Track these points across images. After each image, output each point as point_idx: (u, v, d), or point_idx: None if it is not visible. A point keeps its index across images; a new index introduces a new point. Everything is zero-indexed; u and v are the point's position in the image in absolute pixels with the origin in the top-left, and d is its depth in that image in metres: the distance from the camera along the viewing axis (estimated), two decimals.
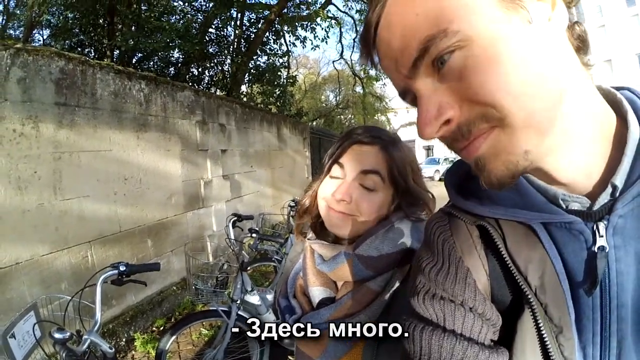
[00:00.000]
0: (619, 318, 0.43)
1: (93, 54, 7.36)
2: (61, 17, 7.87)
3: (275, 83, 10.22)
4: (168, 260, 4.20)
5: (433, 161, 26.01)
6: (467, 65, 0.37)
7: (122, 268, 1.82)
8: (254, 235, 3.17)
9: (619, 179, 0.43)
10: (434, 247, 0.53)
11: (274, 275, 3.33)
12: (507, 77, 0.37)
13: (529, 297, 0.45)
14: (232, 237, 3.10)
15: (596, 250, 0.43)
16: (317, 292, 0.83)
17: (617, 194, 0.43)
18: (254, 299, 2.50)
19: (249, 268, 2.55)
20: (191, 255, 2.52)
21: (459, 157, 0.48)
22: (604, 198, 0.44)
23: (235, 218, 3.32)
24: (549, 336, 0.44)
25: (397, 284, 0.76)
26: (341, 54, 16.59)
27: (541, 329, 0.44)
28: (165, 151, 4.35)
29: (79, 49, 7.30)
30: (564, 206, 0.46)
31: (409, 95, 0.45)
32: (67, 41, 7.68)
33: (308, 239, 0.89)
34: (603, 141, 0.45)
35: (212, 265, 3.32)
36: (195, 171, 4.89)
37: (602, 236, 0.43)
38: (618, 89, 0.51)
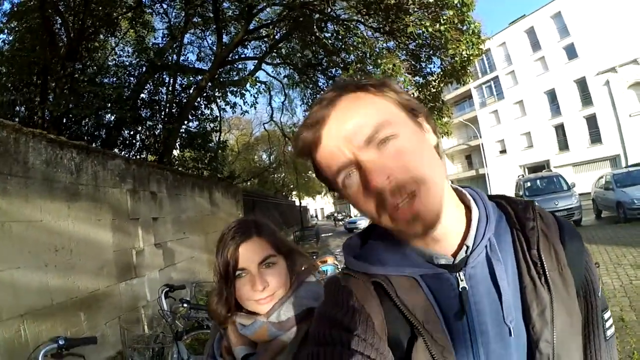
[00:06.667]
0: (481, 331, 0.61)
1: (24, 112, 7.14)
2: None
3: (207, 148, 10.31)
4: (103, 333, 4.03)
5: None
6: (398, 149, 0.58)
7: (61, 342, 1.94)
8: (184, 305, 3.24)
9: (470, 242, 0.64)
10: (339, 299, 0.65)
11: None
12: (422, 156, 0.60)
13: (419, 328, 0.60)
14: (165, 307, 3.17)
15: (460, 290, 0.62)
16: (240, 350, 1.04)
17: (469, 252, 0.64)
18: None
19: (185, 337, 2.66)
20: (126, 327, 2.59)
21: (354, 234, 0.74)
22: (461, 255, 0.64)
23: (168, 289, 3.39)
24: (437, 354, 0.58)
25: (301, 337, 0.98)
26: (271, 116, 16.96)
27: (431, 350, 0.59)
28: (96, 220, 4.32)
29: (11, 107, 7.09)
30: (435, 262, 0.64)
31: (346, 170, 0.60)
32: None
33: (229, 315, 1.07)
34: (458, 219, 0.66)
35: (148, 337, 3.32)
36: (127, 240, 4.84)
37: (462, 280, 0.62)
38: (462, 187, 0.74)
